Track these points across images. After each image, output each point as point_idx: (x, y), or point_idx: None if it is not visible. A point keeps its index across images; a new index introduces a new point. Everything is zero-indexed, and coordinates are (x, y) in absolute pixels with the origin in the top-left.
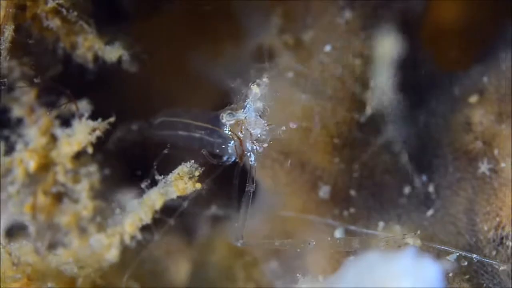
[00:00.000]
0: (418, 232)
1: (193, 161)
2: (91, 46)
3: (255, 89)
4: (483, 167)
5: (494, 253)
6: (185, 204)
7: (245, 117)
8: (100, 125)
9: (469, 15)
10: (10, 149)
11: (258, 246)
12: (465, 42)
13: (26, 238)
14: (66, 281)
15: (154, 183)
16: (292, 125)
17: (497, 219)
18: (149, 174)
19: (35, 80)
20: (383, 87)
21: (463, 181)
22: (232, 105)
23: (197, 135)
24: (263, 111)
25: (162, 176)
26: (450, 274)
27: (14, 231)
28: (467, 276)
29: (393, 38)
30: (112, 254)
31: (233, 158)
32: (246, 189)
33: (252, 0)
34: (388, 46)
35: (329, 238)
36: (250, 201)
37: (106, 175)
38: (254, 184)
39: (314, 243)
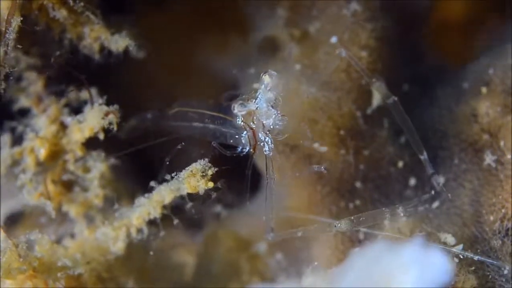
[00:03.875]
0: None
1: (207, 159)
2: (97, 37)
3: (266, 79)
4: (489, 158)
5: (499, 244)
6: (191, 204)
7: (257, 107)
8: (115, 110)
9: (475, 8)
10: (17, 140)
11: (287, 237)
12: (471, 35)
13: (35, 228)
14: (71, 274)
15: (164, 179)
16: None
17: (503, 210)
18: (160, 169)
19: (51, 62)
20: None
21: (469, 172)
22: (243, 96)
23: (211, 126)
24: (275, 101)
25: (175, 173)
26: (456, 262)
27: (19, 218)
28: (473, 268)
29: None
30: (118, 247)
31: (247, 149)
32: (266, 180)
33: None
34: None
35: (352, 217)
36: (272, 192)
37: (116, 163)
38: (274, 174)
39: (339, 224)
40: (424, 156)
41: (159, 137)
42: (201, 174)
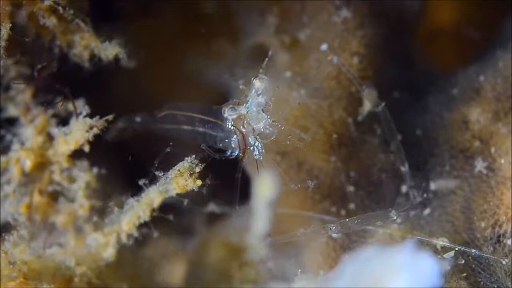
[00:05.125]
0: None
1: (193, 156)
2: (87, 45)
3: (257, 84)
4: (480, 165)
5: (491, 251)
6: (185, 202)
7: (247, 112)
8: (98, 123)
9: (465, 14)
10: (5, 149)
11: (283, 240)
12: (461, 41)
13: (20, 237)
14: (62, 280)
15: (153, 180)
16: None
17: (495, 217)
18: (149, 170)
19: (34, 75)
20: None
21: (460, 179)
22: (234, 100)
23: (200, 129)
24: (265, 106)
25: (162, 173)
26: (448, 269)
27: (9, 229)
28: (464, 274)
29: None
30: (109, 253)
31: (236, 152)
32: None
33: None
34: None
35: (346, 220)
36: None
37: (103, 173)
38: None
39: (334, 227)
40: (405, 168)
41: (148, 139)
42: (189, 172)
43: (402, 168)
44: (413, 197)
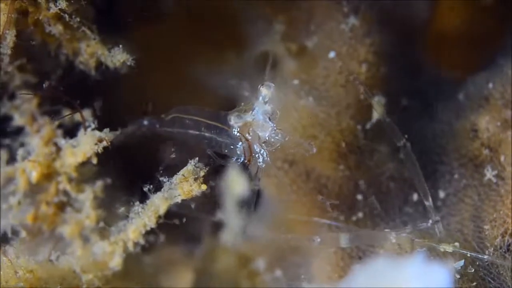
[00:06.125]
0: None
1: (197, 158)
2: (94, 52)
3: (264, 91)
4: (489, 173)
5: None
6: (192, 206)
7: (253, 119)
8: (107, 136)
9: (474, 21)
10: (11, 158)
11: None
12: (470, 48)
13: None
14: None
15: (159, 186)
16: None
17: (504, 225)
18: (154, 176)
19: (44, 86)
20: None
21: (469, 188)
22: (240, 107)
23: (207, 134)
24: (272, 114)
25: (167, 178)
26: (458, 278)
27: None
28: (474, 283)
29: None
30: (115, 262)
31: (242, 160)
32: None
33: (255, 7)
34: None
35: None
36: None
37: (109, 182)
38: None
39: (319, 239)
40: (429, 203)
41: (154, 143)
42: (194, 176)
43: (426, 203)
44: (439, 232)
